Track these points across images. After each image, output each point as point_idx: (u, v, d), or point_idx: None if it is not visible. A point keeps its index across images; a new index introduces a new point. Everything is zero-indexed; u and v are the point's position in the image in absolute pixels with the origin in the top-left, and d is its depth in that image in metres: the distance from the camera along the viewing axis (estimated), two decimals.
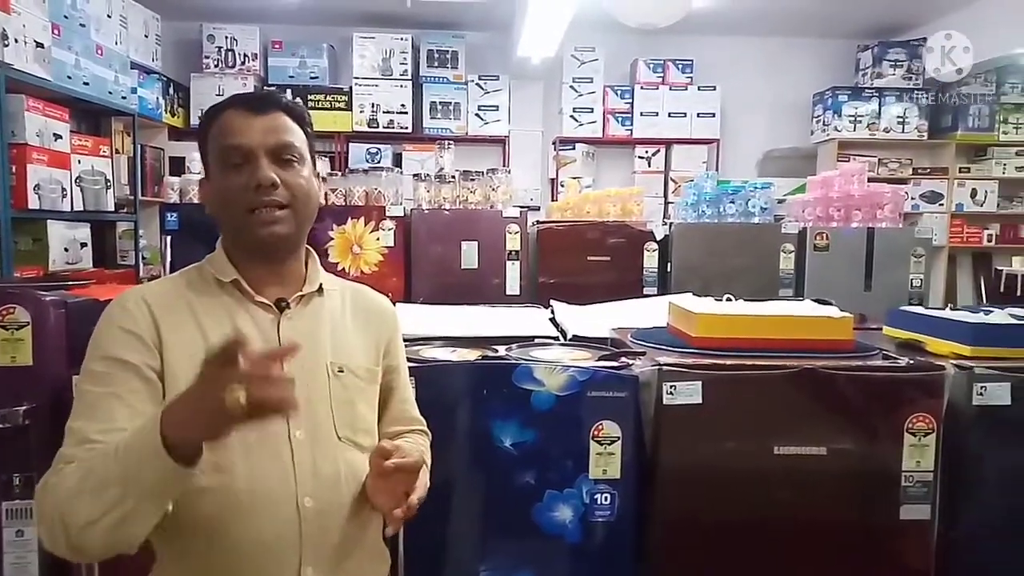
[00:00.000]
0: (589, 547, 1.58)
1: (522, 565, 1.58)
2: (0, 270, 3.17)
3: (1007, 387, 1.54)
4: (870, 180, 4.91)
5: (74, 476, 0.87)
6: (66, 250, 3.68)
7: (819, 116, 5.64)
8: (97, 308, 1.63)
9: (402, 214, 3.51)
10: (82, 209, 3.78)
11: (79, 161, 3.77)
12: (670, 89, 5.66)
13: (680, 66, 5.69)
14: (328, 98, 5.41)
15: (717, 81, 5.67)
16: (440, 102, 5.54)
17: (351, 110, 5.39)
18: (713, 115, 5.67)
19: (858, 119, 5.40)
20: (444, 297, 3.07)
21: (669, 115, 5.65)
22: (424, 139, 5.46)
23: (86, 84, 3.89)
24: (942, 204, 5.54)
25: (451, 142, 3.90)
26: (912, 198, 5.49)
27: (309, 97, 5.36)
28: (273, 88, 5.23)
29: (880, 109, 5.40)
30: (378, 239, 3.46)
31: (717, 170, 5.64)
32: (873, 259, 3.43)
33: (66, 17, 3.73)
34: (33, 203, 3.38)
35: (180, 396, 0.84)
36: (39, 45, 3.45)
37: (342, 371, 1.11)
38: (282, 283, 1.11)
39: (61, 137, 3.62)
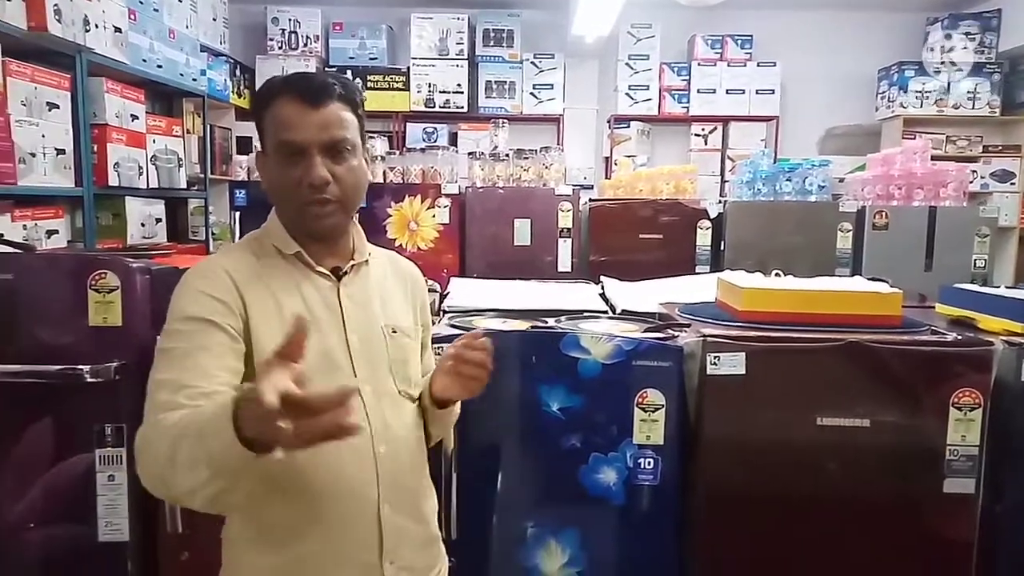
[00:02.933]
0: (633, 509, 1.65)
1: (568, 524, 1.66)
2: (84, 243, 3.38)
3: None
4: (938, 158, 4.79)
5: (164, 443, 0.90)
6: (143, 225, 3.90)
7: (884, 92, 5.47)
8: (178, 275, 1.78)
9: (457, 192, 3.60)
10: (157, 186, 3.98)
11: (154, 140, 3.97)
12: (728, 65, 5.58)
13: (739, 42, 5.60)
14: (386, 78, 5.53)
15: (777, 57, 5.55)
16: (495, 81, 5.59)
17: (408, 90, 5.49)
18: (772, 91, 5.56)
19: (925, 95, 5.22)
20: (497, 273, 3.15)
21: (727, 92, 5.57)
22: (479, 118, 5.52)
23: (159, 67, 4.08)
24: (1014, 183, 5.33)
25: (505, 121, 3.96)
26: (982, 177, 5.30)
27: (368, 78, 5.48)
28: (331, 71, 5.37)
29: (949, 85, 5.21)
30: (434, 216, 3.55)
31: (776, 148, 5.56)
32: (935, 239, 3.36)
33: (141, 2, 3.92)
34: (113, 180, 3.58)
35: (247, 407, 0.81)
36: (117, 30, 3.63)
37: (395, 332, 1.20)
38: (335, 254, 1.19)
39: (138, 118, 3.81)
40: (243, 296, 1.08)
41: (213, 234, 4.75)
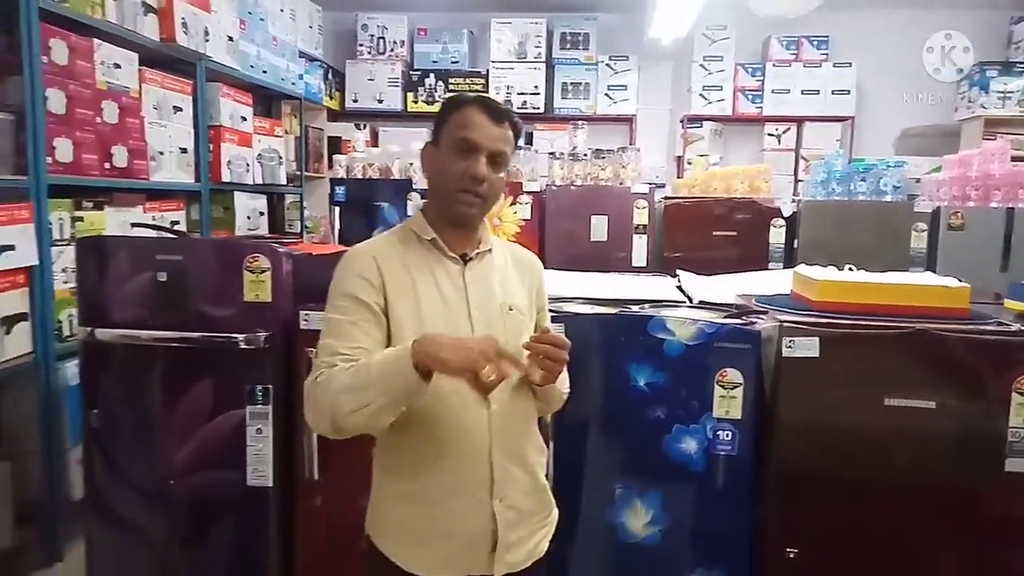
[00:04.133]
0: (711, 476, 1.83)
1: (652, 486, 1.85)
2: (200, 233, 3.74)
3: None
4: (1020, 159, 4.72)
5: (342, 378, 1.20)
6: (248, 218, 4.25)
7: (964, 93, 5.42)
8: (312, 260, 2.06)
9: (538, 190, 3.81)
10: (261, 182, 4.33)
11: (259, 140, 4.32)
12: (804, 66, 5.62)
13: (815, 42, 5.64)
14: (466, 81, 5.78)
15: (853, 57, 5.57)
16: (571, 83, 5.78)
17: (487, 92, 5.73)
18: (848, 92, 5.57)
19: (1007, 95, 5.15)
20: (574, 266, 3.31)
21: (802, 92, 5.62)
22: (555, 119, 5.72)
23: (264, 72, 4.43)
24: None
25: (584, 122, 4.14)
26: None
27: (449, 80, 5.74)
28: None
29: None
30: (516, 212, 3.76)
31: (851, 148, 5.56)
32: (1011, 240, 3.38)
33: (250, 13, 4.27)
34: (225, 177, 3.94)
35: (441, 342, 1.15)
36: (230, 39, 3.99)
37: (511, 309, 1.41)
38: (464, 242, 1.42)
39: (246, 119, 4.17)
40: (384, 276, 1.32)
41: (306, 227, 5.09)
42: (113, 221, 3.07)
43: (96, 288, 2.01)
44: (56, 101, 2.72)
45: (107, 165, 3.03)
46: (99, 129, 2.98)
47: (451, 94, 1.45)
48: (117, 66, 3.10)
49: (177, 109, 3.57)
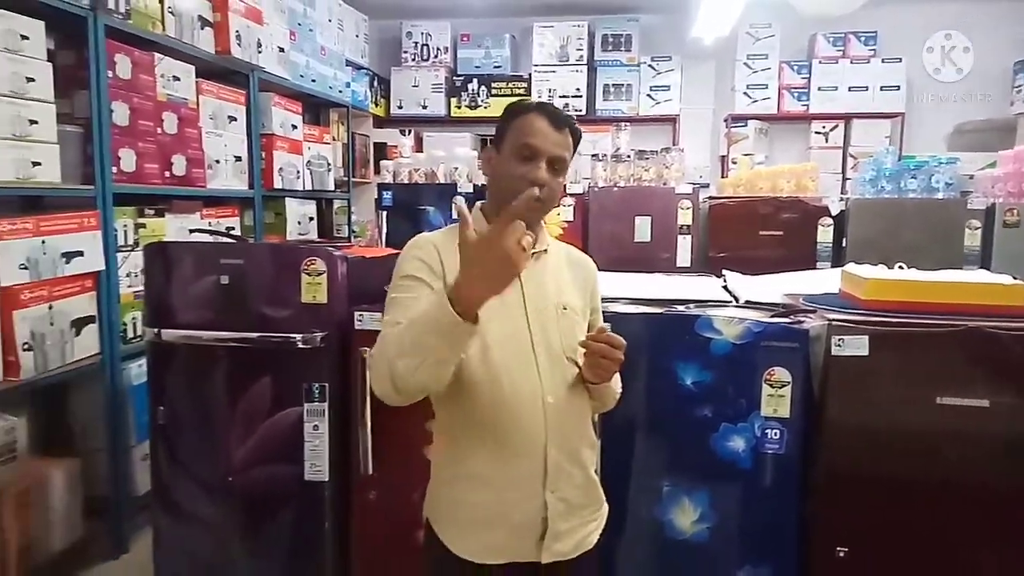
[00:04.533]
0: (759, 474, 1.83)
1: (700, 484, 1.87)
2: (255, 238, 3.87)
3: None
4: None
5: (394, 343, 1.22)
6: (299, 223, 4.37)
7: (1020, 86, 5.26)
8: (365, 263, 2.13)
9: (581, 191, 3.84)
10: (310, 188, 4.45)
11: (309, 148, 4.44)
12: (851, 62, 5.53)
13: (863, 38, 5.54)
14: (509, 85, 5.84)
15: (903, 52, 5.45)
16: (613, 84, 5.79)
17: (530, 95, 5.76)
18: (898, 88, 5.46)
19: None
20: (618, 267, 3.32)
21: (849, 89, 5.53)
22: (597, 120, 5.71)
23: (313, 81, 4.55)
24: None
25: (627, 124, 4.14)
26: None
27: (492, 85, 5.81)
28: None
29: None
30: (559, 214, 3.79)
31: (901, 145, 5.45)
32: None
33: (299, 24, 4.40)
34: (277, 183, 4.06)
35: (474, 281, 1.13)
36: (281, 50, 4.11)
37: (566, 309, 1.45)
38: None
39: (296, 127, 4.29)
40: (443, 263, 1.37)
41: (353, 232, 5.21)
42: (173, 227, 3.20)
43: (162, 291, 2.11)
44: (120, 114, 2.85)
45: (167, 174, 3.16)
46: (160, 140, 3.11)
47: (516, 100, 1.48)
48: (176, 78, 3.23)
49: (232, 119, 3.70)
